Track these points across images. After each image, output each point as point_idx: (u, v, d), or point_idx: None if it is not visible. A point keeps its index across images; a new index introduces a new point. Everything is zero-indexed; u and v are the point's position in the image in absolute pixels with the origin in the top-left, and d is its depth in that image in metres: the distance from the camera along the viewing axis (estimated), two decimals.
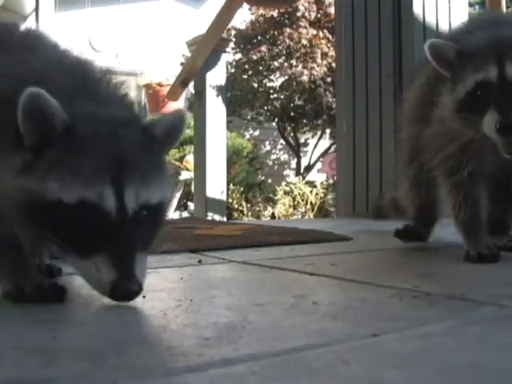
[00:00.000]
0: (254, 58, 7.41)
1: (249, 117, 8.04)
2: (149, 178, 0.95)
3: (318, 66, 7.16)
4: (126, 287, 0.86)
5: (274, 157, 9.16)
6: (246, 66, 7.58)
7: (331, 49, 6.88)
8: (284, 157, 9.20)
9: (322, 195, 6.50)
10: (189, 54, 5.82)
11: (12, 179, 0.89)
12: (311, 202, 6.41)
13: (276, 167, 9.09)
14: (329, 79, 7.05)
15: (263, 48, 7.38)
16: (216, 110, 4.90)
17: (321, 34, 7.25)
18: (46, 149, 0.89)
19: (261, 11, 7.46)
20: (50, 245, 0.91)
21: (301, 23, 7.24)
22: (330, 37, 7.01)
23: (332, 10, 6.36)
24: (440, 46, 1.42)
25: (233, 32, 7.46)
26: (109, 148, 0.92)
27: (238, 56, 7.69)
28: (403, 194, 1.81)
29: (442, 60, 1.42)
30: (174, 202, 7.28)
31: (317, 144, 8.34)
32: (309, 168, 8.34)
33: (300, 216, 6.42)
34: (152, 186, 0.95)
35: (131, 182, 0.91)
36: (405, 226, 1.76)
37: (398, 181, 1.93)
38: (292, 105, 7.64)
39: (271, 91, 7.68)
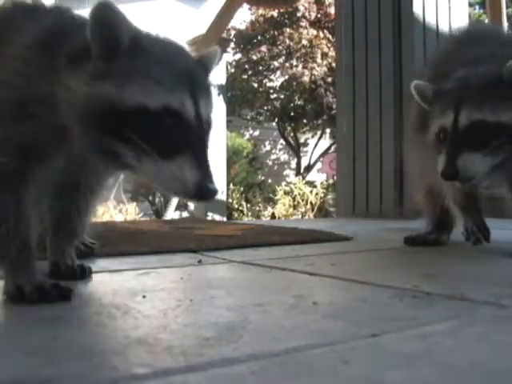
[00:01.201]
0: (254, 58, 7.41)
1: (249, 117, 8.04)
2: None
3: (318, 66, 7.16)
4: (209, 186, 0.93)
5: (273, 157, 9.16)
6: (246, 66, 7.59)
7: (331, 49, 6.88)
8: (284, 157, 9.20)
9: (322, 195, 6.51)
10: None
11: (84, 87, 0.91)
12: (311, 202, 6.42)
13: (276, 167, 9.09)
14: (329, 79, 7.05)
15: (263, 48, 7.38)
16: (216, 109, 4.89)
17: (321, 35, 7.25)
18: (116, 58, 0.93)
19: (261, 11, 7.46)
20: (123, 152, 0.93)
21: (301, 23, 7.24)
22: (331, 37, 7.01)
23: (332, 10, 6.36)
24: (421, 87, 1.58)
25: (233, 32, 7.46)
26: (181, 64, 0.99)
27: (238, 56, 7.69)
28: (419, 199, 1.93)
29: (423, 98, 1.58)
30: (174, 200, 7.29)
31: (317, 144, 8.34)
32: (309, 168, 8.35)
33: (300, 216, 6.42)
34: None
35: (202, 96, 1.00)
36: (416, 235, 1.83)
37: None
38: (292, 105, 7.65)
39: (271, 91, 7.68)
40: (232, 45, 6.54)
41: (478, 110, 1.40)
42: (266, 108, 7.79)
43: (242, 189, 6.93)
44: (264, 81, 7.63)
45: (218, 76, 4.94)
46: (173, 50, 1.03)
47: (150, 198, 8.57)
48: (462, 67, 1.52)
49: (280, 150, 9.17)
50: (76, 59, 0.94)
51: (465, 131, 1.40)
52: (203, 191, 0.92)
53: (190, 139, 0.95)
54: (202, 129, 0.98)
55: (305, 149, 8.63)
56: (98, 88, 0.90)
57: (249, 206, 6.75)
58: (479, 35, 1.76)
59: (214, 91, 4.82)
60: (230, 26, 6.78)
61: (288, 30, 7.32)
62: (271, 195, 6.90)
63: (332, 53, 6.73)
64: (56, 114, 0.94)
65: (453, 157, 1.40)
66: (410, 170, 2.00)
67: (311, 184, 6.87)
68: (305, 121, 7.87)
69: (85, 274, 1.19)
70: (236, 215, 6.64)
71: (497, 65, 1.43)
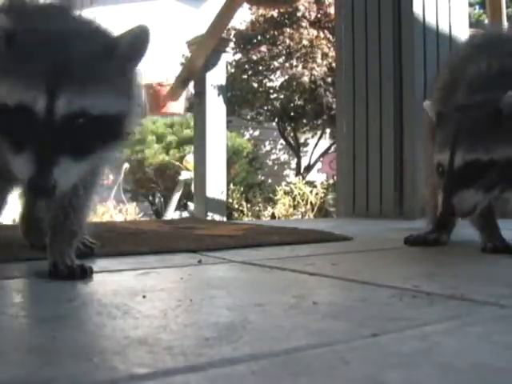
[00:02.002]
0: (254, 58, 7.41)
1: (249, 117, 8.04)
2: (91, 88, 1.01)
3: (318, 66, 7.15)
4: (37, 183, 0.97)
5: (273, 157, 9.16)
6: (246, 66, 7.59)
7: (331, 49, 6.88)
8: (284, 157, 9.20)
9: (322, 195, 6.50)
10: (189, 54, 5.83)
11: None
12: (311, 202, 6.41)
13: (276, 167, 9.09)
14: (329, 79, 7.05)
15: (263, 48, 7.38)
16: (216, 109, 4.90)
17: (321, 35, 7.25)
18: None
19: (261, 11, 7.46)
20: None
21: (302, 24, 7.24)
22: (331, 37, 7.01)
23: (332, 10, 6.36)
24: (428, 107, 1.64)
25: (233, 32, 7.46)
26: (48, 56, 1.00)
27: (238, 56, 7.69)
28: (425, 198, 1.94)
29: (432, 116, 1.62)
30: (174, 200, 7.29)
31: (317, 144, 8.33)
32: (309, 168, 8.34)
33: (300, 216, 6.42)
34: (94, 96, 1.02)
35: (66, 90, 0.99)
36: (417, 235, 1.82)
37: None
38: (292, 105, 7.65)
39: (271, 91, 7.68)
40: (232, 45, 6.53)
41: (472, 151, 1.44)
42: (266, 108, 7.79)
43: (242, 189, 6.92)
44: (264, 81, 7.62)
45: (217, 76, 4.94)
46: (53, 40, 1.03)
47: (150, 198, 8.57)
48: (466, 88, 1.56)
49: (280, 150, 9.17)
50: None
51: (459, 170, 1.46)
52: (33, 187, 0.98)
53: (36, 135, 0.98)
54: (51, 123, 0.98)
55: (305, 149, 8.62)
56: None
57: (249, 206, 6.74)
58: (496, 44, 1.74)
59: (214, 91, 4.82)
60: (229, 26, 6.77)
61: (288, 30, 7.32)
62: (271, 195, 6.90)
63: (332, 53, 6.73)
64: None
65: (449, 194, 1.45)
66: (422, 165, 2.05)
67: (311, 184, 6.86)
68: (305, 121, 7.86)
69: (85, 274, 1.19)
70: (236, 215, 6.64)
71: (497, 94, 1.45)
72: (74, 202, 1.25)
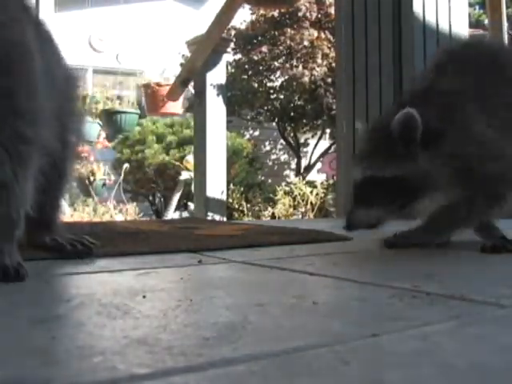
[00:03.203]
0: (255, 58, 7.41)
1: (249, 117, 8.04)
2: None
3: (318, 66, 7.15)
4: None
5: (274, 157, 9.16)
6: (246, 66, 7.59)
7: (332, 50, 6.88)
8: (284, 157, 9.20)
9: (322, 195, 6.50)
10: (188, 54, 5.83)
11: None
12: (311, 202, 6.41)
13: (276, 167, 9.09)
14: (329, 80, 7.05)
15: (264, 49, 7.38)
16: (216, 109, 4.90)
17: (322, 35, 7.25)
18: None
19: (261, 11, 7.46)
20: None
21: (303, 24, 7.24)
22: (331, 38, 7.01)
23: (333, 11, 6.36)
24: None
25: (233, 32, 7.46)
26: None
27: (238, 56, 7.69)
28: None
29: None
30: (174, 200, 7.29)
31: (317, 144, 8.34)
32: (309, 168, 8.34)
33: (300, 216, 6.42)
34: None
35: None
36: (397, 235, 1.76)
37: None
38: (292, 105, 7.64)
39: (271, 91, 7.68)
40: (232, 45, 6.53)
41: (368, 168, 1.55)
42: (266, 108, 7.79)
43: (242, 189, 6.92)
44: (264, 81, 7.62)
45: (217, 76, 4.94)
46: None
47: (150, 198, 8.58)
48: (391, 107, 1.70)
49: (280, 150, 9.17)
50: None
51: (359, 186, 1.57)
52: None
53: None
54: None
55: (305, 149, 8.63)
56: None
57: (249, 206, 6.74)
58: (446, 62, 1.76)
59: (214, 91, 4.83)
60: (230, 26, 6.77)
61: (289, 30, 7.32)
62: (271, 195, 6.90)
63: (332, 53, 6.72)
64: None
65: (349, 209, 1.61)
66: None
67: (311, 184, 6.86)
68: (305, 121, 7.86)
69: (18, 277, 1.08)
70: (236, 215, 6.64)
71: (393, 114, 1.52)
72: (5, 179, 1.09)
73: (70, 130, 1.49)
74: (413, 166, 1.49)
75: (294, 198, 6.52)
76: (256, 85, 7.59)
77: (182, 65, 6.94)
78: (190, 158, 6.49)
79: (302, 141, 8.48)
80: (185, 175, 7.04)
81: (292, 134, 8.39)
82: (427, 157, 1.49)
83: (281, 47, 7.35)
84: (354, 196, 1.59)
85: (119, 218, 7.02)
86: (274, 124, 8.34)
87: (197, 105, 5.04)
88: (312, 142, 8.42)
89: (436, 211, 1.60)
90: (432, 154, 1.49)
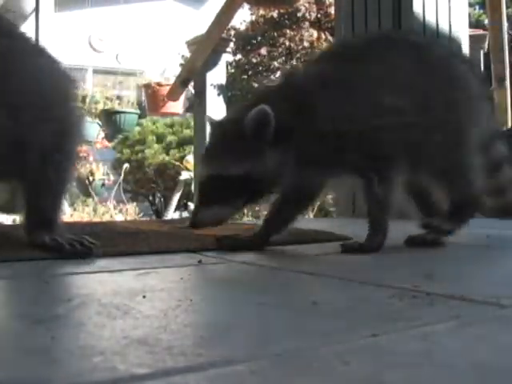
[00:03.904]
0: (254, 60, 7.41)
1: None
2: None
3: None
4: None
5: None
6: (246, 67, 7.59)
7: None
8: None
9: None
10: (188, 55, 5.83)
11: None
12: None
13: None
14: None
15: (262, 51, 7.38)
16: (216, 109, 4.89)
17: (322, 36, 7.25)
18: None
19: (261, 12, 7.46)
20: None
21: (303, 25, 7.24)
22: (331, 38, 7.01)
23: (333, 11, 6.36)
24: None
25: (232, 32, 7.46)
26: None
27: (238, 56, 7.69)
28: None
29: None
30: (174, 200, 7.28)
31: None
32: None
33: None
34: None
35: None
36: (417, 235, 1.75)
37: None
38: None
39: None
40: (232, 45, 6.54)
41: (213, 165, 1.50)
42: None
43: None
44: (264, 81, 7.62)
45: (217, 76, 4.94)
46: None
47: (150, 198, 8.58)
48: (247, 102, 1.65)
49: None
50: None
51: (204, 184, 1.54)
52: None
53: None
54: None
55: None
56: None
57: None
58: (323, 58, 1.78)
59: (214, 91, 4.82)
60: (229, 26, 6.77)
61: (288, 31, 7.32)
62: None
63: None
64: None
65: (194, 209, 1.58)
66: None
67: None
68: None
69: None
70: (236, 215, 6.63)
71: (246, 110, 1.48)
72: None
73: (67, 131, 1.50)
74: (260, 164, 1.47)
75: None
76: (256, 85, 7.59)
77: (181, 65, 6.94)
78: (190, 158, 6.50)
79: None
80: (185, 175, 7.05)
81: None
82: (277, 154, 1.47)
83: (280, 48, 7.35)
84: (199, 194, 1.58)
85: (119, 218, 7.02)
86: None
87: (197, 105, 5.04)
88: None
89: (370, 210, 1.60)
90: (281, 150, 1.47)
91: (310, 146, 1.50)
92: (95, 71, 10.90)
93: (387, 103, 1.55)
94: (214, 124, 1.66)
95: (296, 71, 1.71)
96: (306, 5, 7.31)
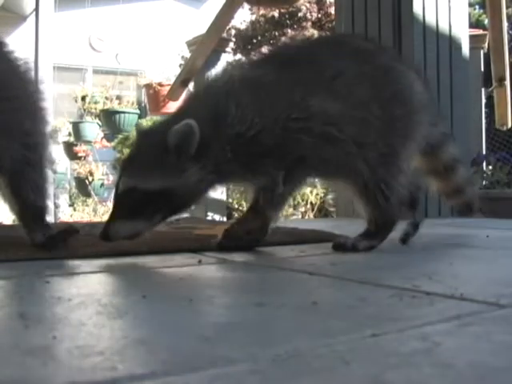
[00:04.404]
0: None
1: None
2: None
3: None
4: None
5: None
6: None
7: None
8: None
9: (322, 195, 6.50)
10: (188, 55, 5.83)
11: None
12: (311, 202, 6.41)
13: None
14: None
15: (263, 50, 7.38)
16: None
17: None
18: None
19: (261, 11, 7.46)
20: None
21: (304, 24, 7.24)
22: None
23: (333, 11, 6.36)
24: None
25: (233, 32, 7.46)
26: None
27: (238, 56, 7.68)
28: None
29: None
30: None
31: None
32: None
33: (300, 216, 6.41)
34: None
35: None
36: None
37: None
38: None
39: None
40: (232, 45, 6.53)
41: (133, 177, 1.45)
42: None
43: (242, 189, 6.91)
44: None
45: None
46: None
47: None
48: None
49: None
50: None
51: (121, 196, 1.47)
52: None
53: None
54: None
55: None
56: None
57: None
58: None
59: None
60: (230, 26, 6.77)
61: (289, 30, 7.32)
62: None
63: None
64: None
65: (109, 220, 1.48)
66: None
67: (311, 184, 6.85)
68: None
69: None
70: (236, 215, 6.63)
71: (171, 123, 1.46)
72: None
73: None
74: (180, 179, 1.44)
75: (294, 198, 6.52)
76: None
77: (181, 65, 6.94)
78: None
79: None
80: None
81: None
82: (197, 168, 1.45)
83: None
84: (114, 206, 1.50)
85: None
86: None
87: None
88: None
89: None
90: (201, 165, 1.45)
91: (226, 157, 1.47)
92: (95, 71, 10.89)
93: (310, 106, 1.51)
94: (140, 133, 1.64)
95: (216, 78, 1.65)
96: (307, 5, 7.31)
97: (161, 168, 1.43)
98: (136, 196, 1.43)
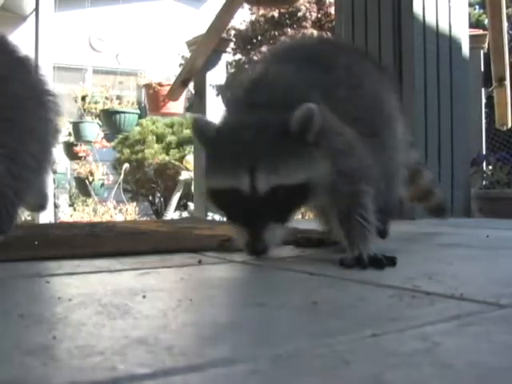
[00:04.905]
0: (255, 58, 7.41)
1: None
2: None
3: None
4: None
5: None
6: (246, 66, 7.59)
7: None
8: None
9: None
10: (188, 55, 5.83)
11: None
12: None
13: None
14: None
15: (264, 49, 7.39)
16: (216, 109, 4.89)
17: (323, 35, 7.25)
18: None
19: (261, 11, 7.46)
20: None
21: (303, 24, 7.24)
22: None
23: (333, 10, 6.36)
24: (202, 123, 1.41)
25: (233, 32, 7.46)
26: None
27: (238, 56, 7.69)
28: None
29: (203, 138, 1.39)
30: (174, 200, 7.28)
31: None
32: None
33: (300, 216, 6.41)
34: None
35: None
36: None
37: None
38: None
39: None
40: (232, 45, 6.54)
41: (275, 174, 1.24)
42: None
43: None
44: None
45: (217, 76, 4.94)
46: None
47: (150, 198, 8.58)
48: (251, 108, 1.34)
49: None
50: None
51: (265, 198, 1.24)
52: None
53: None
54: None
55: None
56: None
57: None
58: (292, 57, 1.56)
59: (213, 91, 4.82)
60: (230, 26, 6.78)
61: (289, 30, 7.32)
62: None
63: None
64: None
65: (259, 230, 1.28)
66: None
67: None
68: None
69: None
70: None
71: (282, 112, 1.28)
72: None
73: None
74: (315, 169, 1.29)
75: None
76: None
77: (181, 65, 6.94)
78: (190, 158, 6.50)
79: None
80: (185, 175, 7.05)
81: None
82: (321, 156, 1.31)
83: None
84: (252, 210, 1.27)
85: (119, 217, 7.02)
86: None
87: (197, 105, 5.05)
88: None
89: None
90: (322, 152, 1.31)
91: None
92: (95, 71, 10.90)
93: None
94: (246, 122, 1.32)
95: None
96: (307, 4, 7.31)
97: (297, 158, 1.27)
98: (281, 195, 1.26)
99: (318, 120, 1.27)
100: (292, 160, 1.27)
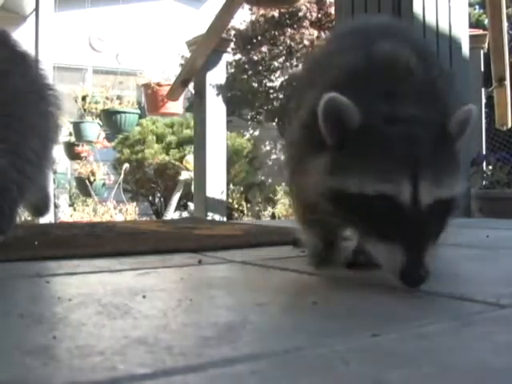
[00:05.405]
0: (255, 58, 7.42)
1: (249, 117, 8.04)
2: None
3: None
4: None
5: (274, 157, 9.16)
6: (246, 66, 7.59)
7: None
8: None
9: None
10: (187, 55, 5.83)
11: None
12: None
13: (276, 167, 9.09)
14: None
15: (264, 49, 7.39)
16: (216, 109, 4.90)
17: (322, 35, 7.25)
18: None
19: (261, 11, 7.46)
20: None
21: (303, 24, 7.24)
22: None
23: (333, 10, 6.36)
24: (343, 107, 1.06)
25: (233, 32, 7.46)
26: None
27: (238, 56, 7.69)
28: None
29: (339, 124, 1.06)
30: (174, 200, 7.29)
31: None
32: None
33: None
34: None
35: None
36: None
37: None
38: None
39: (271, 91, 7.68)
40: (232, 45, 6.53)
41: (439, 184, 1.02)
42: (265, 108, 7.79)
43: (241, 189, 6.92)
44: (264, 81, 7.62)
45: (217, 76, 4.94)
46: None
47: (150, 198, 8.58)
48: (392, 99, 1.06)
49: (280, 150, 9.17)
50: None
51: (427, 213, 1.00)
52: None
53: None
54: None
55: None
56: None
57: (249, 205, 6.75)
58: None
59: (213, 91, 4.82)
60: (230, 26, 6.77)
61: (289, 30, 7.32)
62: (271, 195, 6.90)
63: None
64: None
65: (420, 252, 1.00)
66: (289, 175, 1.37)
67: None
68: None
69: None
70: (236, 215, 6.64)
71: (438, 110, 1.09)
72: None
73: None
74: (464, 180, 1.13)
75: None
76: (256, 85, 7.59)
77: (181, 65, 6.94)
78: (190, 158, 6.50)
79: None
80: (185, 175, 7.05)
81: None
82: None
83: (281, 47, 7.35)
84: (414, 228, 0.99)
85: (119, 217, 7.02)
86: (273, 124, 8.34)
87: (197, 105, 5.05)
88: None
89: None
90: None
91: None
92: (95, 71, 10.89)
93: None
94: (414, 120, 1.04)
95: None
96: (307, 4, 7.31)
97: (454, 166, 1.08)
98: (440, 209, 1.04)
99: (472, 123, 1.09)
100: (452, 168, 1.07)
